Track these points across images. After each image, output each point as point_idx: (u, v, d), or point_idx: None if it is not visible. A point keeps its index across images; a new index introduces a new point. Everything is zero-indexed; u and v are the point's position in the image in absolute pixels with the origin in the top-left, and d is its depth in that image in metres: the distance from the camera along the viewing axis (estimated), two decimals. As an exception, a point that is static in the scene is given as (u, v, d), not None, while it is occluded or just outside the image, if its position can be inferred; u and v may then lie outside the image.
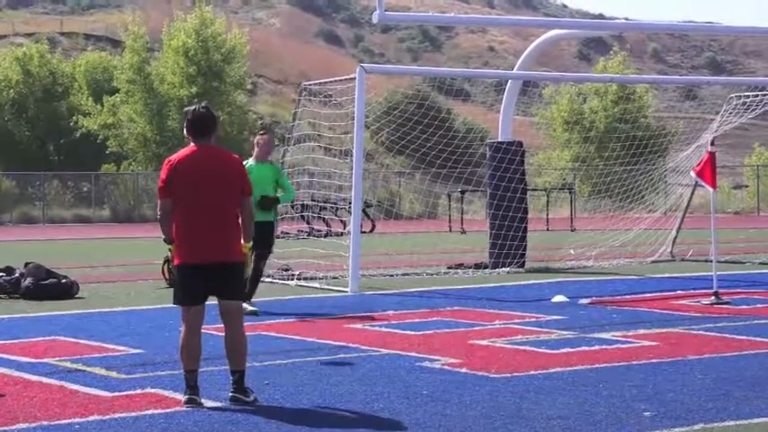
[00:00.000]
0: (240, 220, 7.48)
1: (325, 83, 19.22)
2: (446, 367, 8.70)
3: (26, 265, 15.27)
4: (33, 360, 9.22)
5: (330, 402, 7.38)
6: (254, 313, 12.11)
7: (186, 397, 7.25)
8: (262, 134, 13.27)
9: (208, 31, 51.95)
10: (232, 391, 7.32)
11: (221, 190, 7.35)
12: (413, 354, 9.36)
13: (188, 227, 7.33)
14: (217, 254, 7.31)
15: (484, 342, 10.01)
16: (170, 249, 7.52)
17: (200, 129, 7.44)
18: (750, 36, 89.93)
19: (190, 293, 7.38)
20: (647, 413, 6.90)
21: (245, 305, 12.18)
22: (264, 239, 12.40)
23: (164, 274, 15.97)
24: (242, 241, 7.51)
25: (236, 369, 7.35)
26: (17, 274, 15.00)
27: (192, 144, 7.46)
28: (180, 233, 7.37)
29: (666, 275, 17.24)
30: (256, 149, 12.94)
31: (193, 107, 7.57)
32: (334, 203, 27.64)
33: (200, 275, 7.32)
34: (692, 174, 14.70)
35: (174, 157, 7.47)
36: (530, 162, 46.36)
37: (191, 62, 51.47)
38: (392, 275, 17.56)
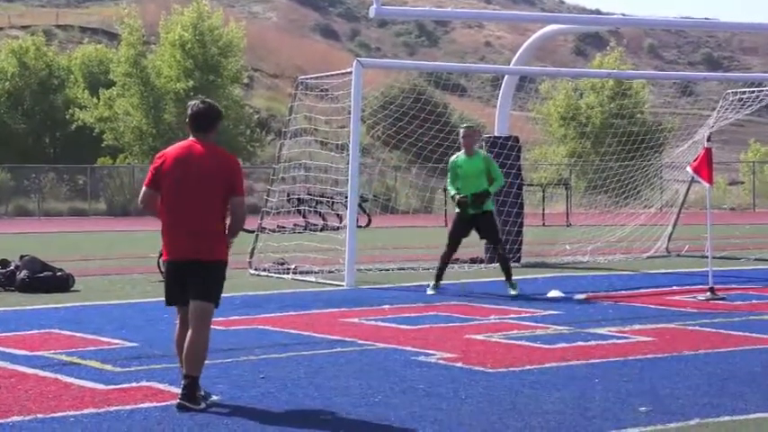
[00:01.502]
0: (228, 220, 7.32)
1: (322, 77, 19.20)
2: (442, 362, 8.70)
3: (21, 257, 15.26)
4: (28, 353, 9.22)
5: (326, 396, 7.38)
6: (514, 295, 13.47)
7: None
8: (464, 129, 14.15)
9: (205, 24, 51.89)
10: (179, 398, 6.99)
11: (205, 188, 7.20)
12: (409, 348, 9.37)
13: (169, 223, 7.28)
14: (191, 252, 7.18)
15: (480, 337, 10.02)
16: None
17: (198, 124, 7.35)
18: (746, 32, 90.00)
19: (169, 292, 7.35)
20: (642, 408, 6.91)
21: (511, 291, 13.55)
22: (491, 228, 13.91)
23: (159, 268, 15.95)
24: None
25: (188, 374, 7.03)
26: (12, 267, 14.98)
27: (189, 138, 7.41)
28: (163, 229, 7.34)
29: (662, 271, 17.25)
30: (462, 145, 14.08)
31: (194, 102, 7.47)
32: (331, 197, 27.57)
33: (179, 273, 7.24)
34: (689, 170, 14.70)
35: (168, 149, 7.45)
36: (526, 157, 46.38)
37: (187, 55, 51.43)
38: (388, 270, 17.56)
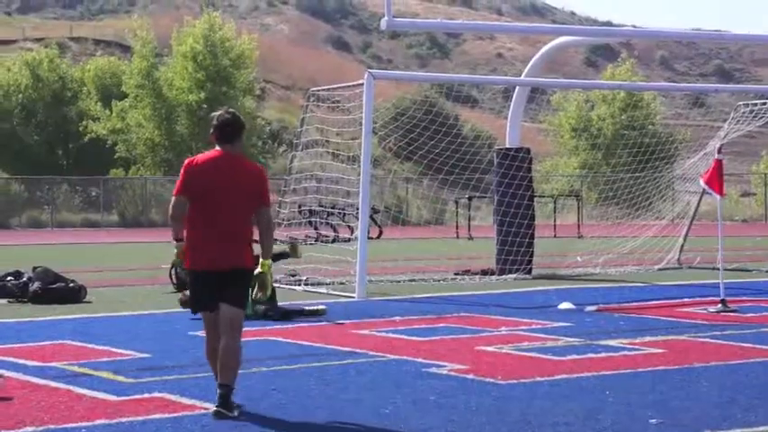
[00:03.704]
0: (258, 233, 7.37)
1: (334, 89, 19.25)
2: (453, 373, 8.71)
3: (34, 269, 15.32)
4: (41, 364, 9.25)
5: (337, 408, 7.39)
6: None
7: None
8: None
9: (216, 36, 52.02)
10: (216, 405, 7.11)
11: (234, 198, 7.25)
12: (419, 359, 9.38)
13: (198, 233, 7.28)
14: (223, 262, 7.22)
15: (490, 348, 10.02)
16: (177, 248, 7.39)
17: (224, 134, 7.40)
18: (758, 44, 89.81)
19: (197, 299, 7.41)
20: (652, 420, 6.91)
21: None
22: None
23: (171, 279, 16.01)
24: (261, 258, 7.40)
25: (224, 383, 7.14)
26: (25, 278, 15.04)
27: (216, 148, 7.43)
28: (189, 238, 7.32)
29: (673, 283, 17.22)
30: None
31: (219, 112, 7.53)
32: (342, 209, 27.62)
33: (208, 282, 7.27)
34: (701, 182, 14.68)
35: (195, 158, 7.48)
36: (537, 169, 46.31)
37: (199, 67, 51.53)
38: (399, 281, 17.57)
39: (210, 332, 7.39)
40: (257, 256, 7.45)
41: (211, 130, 7.47)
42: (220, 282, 7.25)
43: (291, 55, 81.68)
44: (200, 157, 7.48)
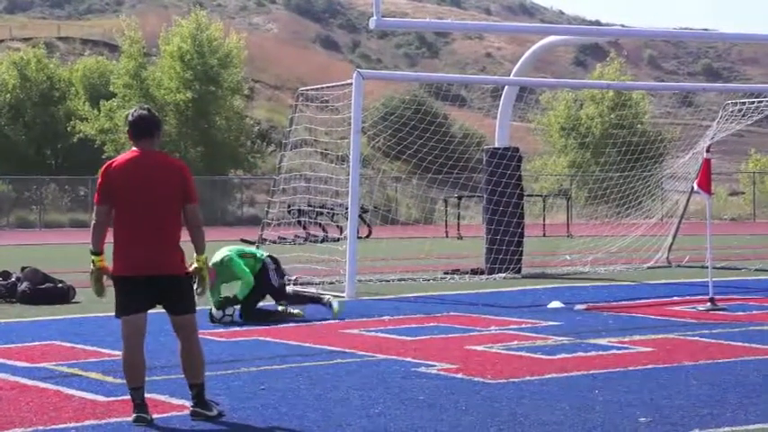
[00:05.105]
0: (188, 230, 7.10)
1: (322, 88, 19.23)
2: (442, 372, 8.71)
3: (23, 269, 15.27)
4: (29, 364, 9.23)
5: (326, 407, 7.38)
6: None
7: (134, 416, 6.91)
8: None
9: (203, 35, 51.97)
10: (192, 406, 7.03)
11: (159, 199, 6.96)
12: (409, 359, 9.37)
13: (123, 237, 6.97)
14: (153, 267, 6.95)
15: (480, 347, 10.02)
16: (93, 261, 7.09)
17: (139, 130, 7.10)
18: (746, 43, 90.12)
19: (123, 304, 7.04)
20: (642, 419, 6.92)
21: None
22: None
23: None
24: (194, 254, 7.19)
25: (194, 383, 7.05)
26: (14, 279, 15.00)
27: (133, 148, 7.14)
28: (116, 243, 7.03)
29: (662, 281, 17.25)
30: None
31: (133, 109, 7.28)
32: (331, 209, 27.63)
33: (137, 287, 6.97)
34: (695, 186, 14.69)
35: (112, 161, 7.19)
36: (526, 168, 46.39)
37: (187, 67, 51.48)
38: (388, 281, 17.56)
39: (133, 339, 7.05)
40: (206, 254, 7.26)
41: (126, 128, 7.15)
42: (150, 286, 6.99)
43: (280, 54, 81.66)
44: (118, 159, 7.17)
